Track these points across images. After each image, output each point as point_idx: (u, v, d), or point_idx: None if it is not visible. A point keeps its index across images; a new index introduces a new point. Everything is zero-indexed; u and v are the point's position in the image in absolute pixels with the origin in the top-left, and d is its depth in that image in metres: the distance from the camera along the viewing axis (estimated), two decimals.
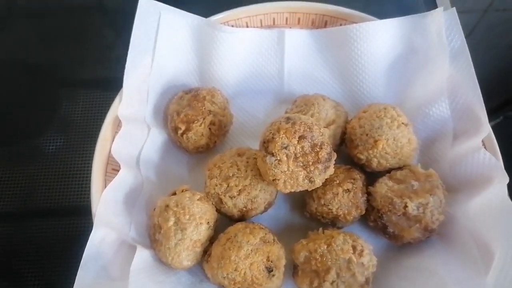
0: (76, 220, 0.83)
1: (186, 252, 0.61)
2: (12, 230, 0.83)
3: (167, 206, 0.63)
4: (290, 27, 0.81)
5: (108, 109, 0.75)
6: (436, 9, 0.73)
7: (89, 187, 0.74)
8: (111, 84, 0.94)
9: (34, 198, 0.86)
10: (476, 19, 1.62)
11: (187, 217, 0.61)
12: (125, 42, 0.75)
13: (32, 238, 0.82)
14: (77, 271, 0.60)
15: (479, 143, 0.67)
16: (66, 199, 0.85)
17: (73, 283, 0.59)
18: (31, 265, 0.80)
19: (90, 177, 0.81)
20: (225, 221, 0.69)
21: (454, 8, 0.73)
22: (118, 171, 0.67)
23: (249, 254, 0.60)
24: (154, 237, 0.64)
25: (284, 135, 0.60)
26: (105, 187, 0.66)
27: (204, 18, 0.78)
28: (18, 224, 0.84)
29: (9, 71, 1.01)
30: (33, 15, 1.08)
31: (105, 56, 1.00)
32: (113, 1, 1.10)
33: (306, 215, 0.71)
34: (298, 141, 0.60)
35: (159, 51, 0.75)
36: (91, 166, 0.82)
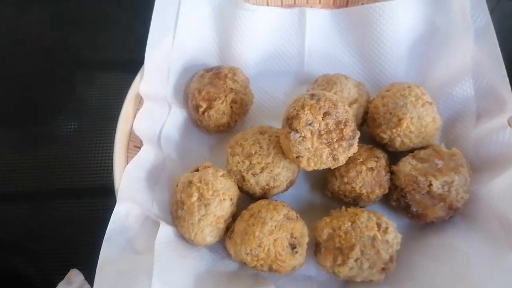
0: (96, 200, 0.84)
1: (209, 228, 0.61)
2: (32, 210, 0.84)
3: (190, 182, 0.63)
4: (311, 7, 0.80)
5: (125, 91, 0.75)
6: None
7: (109, 167, 0.75)
8: (128, 66, 0.95)
9: (54, 179, 0.87)
10: (489, 9, 1.60)
11: (211, 192, 0.61)
12: (141, 25, 0.75)
13: (52, 218, 0.83)
14: (98, 250, 0.60)
15: (504, 122, 0.66)
16: (86, 179, 0.86)
17: (94, 261, 0.59)
18: (51, 244, 0.80)
19: (109, 157, 0.82)
20: (246, 199, 0.68)
21: None
22: (139, 147, 0.68)
23: (273, 230, 0.60)
24: (176, 213, 0.64)
25: (308, 111, 0.60)
26: (127, 163, 0.66)
27: None
28: (38, 204, 0.85)
29: (27, 53, 1.02)
30: (48, 0, 1.08)
31: (123, 38, 1.00)
32: None
33: (327, 194, 0.71)
34: (322, 117, 0.60)
35: (180, 29, 0.74)
36: (110, 147, 0.82)
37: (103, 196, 0.84)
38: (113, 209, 0.63)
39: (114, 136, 0.69)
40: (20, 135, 0.93)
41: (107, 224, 0.61)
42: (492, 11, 1.67)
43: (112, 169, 0.67)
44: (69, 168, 0.87)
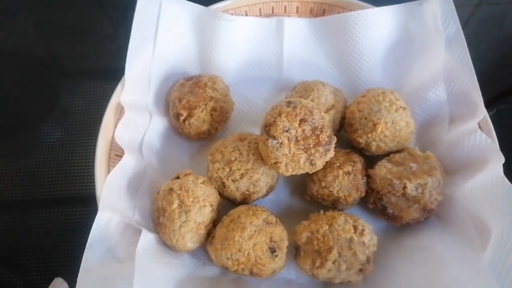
0: (79, 209, 0.85)
1: (190, 234, 0.63)
2: (16, 219, 0.85)
3: (171, 189, 0.64)
4: (289, 15, 0.82)
5: (108, 99, 0.76)
6: None
7: (92, 176, 0.75)
8: (111, 74, 0.96)
9: (37, 188, 0.87)
10: (468, 13, 1.65)
11: (191, 199, 0.62)
12: (124, 34, 0.76)
13: (35, 227, 0.83)
14: (81, 257, 0.61)
15: (475, 126, 0.68)
16: (68, 188, 0.86)
17: (78, 269, 0.60)
18: (35, 253, 0.81)
19: (92, 165, 0.82)
20: (227, 205, 0.70)
21: None
22: (121, 157, 0.68)
23: (252, 234, 0.61)
24: (158, 220, 0.65)
25: (285, 119, 0.62)
26: (109, 172, 0.67)
27: (204, 7, 0.79)
28: (22, 213, 0.85)
29: (10, 63, 1.02)
30: (32, 9, 1.09)
31: (104, 47, 1.01)
32: None
33: (306, 199, 0.72)
34: (299, 124, 0.62)
35: (160, 39, 0.76)
36: (93, 155, 0.83)
37: (87, 205, 0.85)
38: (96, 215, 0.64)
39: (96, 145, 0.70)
40: (3, 144, 0.93)
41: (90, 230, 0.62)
42: (471, 15, 1.71)
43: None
44: (52, 177, 0.88)
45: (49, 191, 0.86)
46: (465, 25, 1.66)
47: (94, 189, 0.67)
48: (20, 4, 1.09)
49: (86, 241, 0.62)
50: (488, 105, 1.69)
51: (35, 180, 0.88)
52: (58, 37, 1.03)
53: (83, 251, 0.61)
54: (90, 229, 0.63)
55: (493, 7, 1.62)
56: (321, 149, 0.62)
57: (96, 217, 0.62)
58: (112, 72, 0.96)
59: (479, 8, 1.61)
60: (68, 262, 0.78)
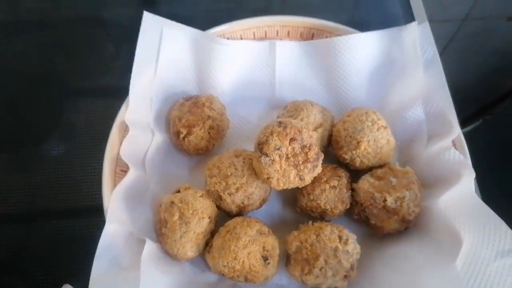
0: (83, 221, 0.89)
1: (190, 243, 0.68)
2: (21, 232, 0.88)
3: (172, 202, 0.70)
4: (281, 39, 0.88)
5: (110, 115, 0.80)
6: (411, 23, 0.82)
7: (95, 189, 0.80)
8: (113, 92, 1.01)
9: (42, 200, 0.91)
10: (455, 28, 1.72)
11: (191, 212, 0.68)
12: (126, 53, 0.81)
13: (41, 238, 0.87)
14: (88, 266, 0.66)
15: (449, 143, 0.74)
16: (73, 200, 0.90)
17: (85, 277, 0.65)
18: (41, 262, 0.85)
19: (95, 177, 0.88)
20: (224, 216, 0.75)
21: (427, 22, 0.81)
22: (125, 171, 0.74)
23: (247, 244, 0.67)
24: (160, 231, 0.71)
25: (277, 138, 0.68)
26: (115, 186, 0.72)
27: (202, 31, 0.84)
28: (27, 225, 0.89)
29: (13, 81, 1.06)
30: (34, 28, 1.13)
31: (107, 66, 1.06)
32: (109, 14, 1.16)
33: (297, 210, 0.78)
34: (289, 142, 0.68)
35: (162, 61, 0.81)
36: (96, 169, 0.89)
37: (91, 217, 0.89)
38: (99, 226, 0.68)
39: (100, 160, 0.75)
40: (8, 159, 0.98)
41: (96, 241, 0.67)
42: (457, 29, 1.78)
43: (99, 190, 0.73)
44: (57, 190, 0.92)
45: (55, 203, 0.90)
46: (452, 38, 1.74)
47: (97, 201, 0.72)
48: (24, 24, 1.14)
49: (93, 249, 0.66)
50: (475, 115, 1.77)
51: (39, 192, 0.92)
52: (61, 56, 1.08)
53: (88, 260, 0.66)
54: (93, 239, 0.67)
55: (479, 21, 1.69)
56: (309, 165, 0.69)
57: (104, 228, 0.68)
58: (114, 89, 1.02)
59: (466, 22, 1.69)
60: (76, 269, 0.83)
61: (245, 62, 0.87)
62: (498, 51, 1.80)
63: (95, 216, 0.73)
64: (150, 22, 0.81)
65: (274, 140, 0.68)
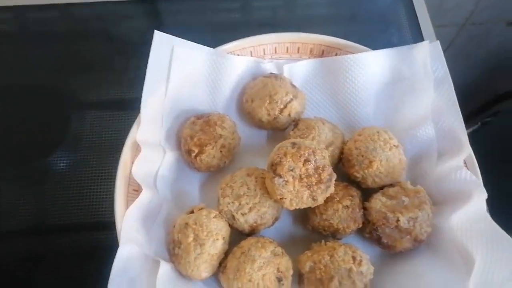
0: (93, 235, 0.89)
1: (204, 265, 0.69)
2: (29, 246, 0.89)
3: (186, 223, 0.70)
4: (291, 55, 0.89)
5: (118, 128, 0.80)
6: (422, 42, 0.82)
7: (104, 203, 0.80)
8: (122, 105, 1.01)
9: (49, 215, 0.91)
10: (455, 32, 1.73)
11: (205, 233, 0.68)
12: (134, 67, 0.81)
13: (49, 253, 0.88)
14: (99, 284, 0.66)
15: (460, 163, 0.75)
16: (80, 215, 0.90)
17: None
18: (50, 279, 0.85)
19: (103, 192, 0.88)
20: (236, 234, 0.75)
21: (438, 42, 0.82)
22: (138, 191, 0.74)
23: (261, 266, 0.67)
24: (173, 251, 0.71)
25: (290, 159, 0.68)
26: (127, 206, 0.73)
27: (212, 49, 0.85)
28: (35, 240, 0.89)
29: (21, 93, 1.07)
30: (42, 41, 1.13)
31: (114, 79, 1.06)
32: (118, 28, 1.16)
33: (308, 228, 0.79)
34: (303, 164, 0.68)
35: (173, 79, 0.81)
36: (103, 182, 0.88)
37: (99, 230, 0.89)
38: (110, 242, 0.69)
39: (109, 173, 0.75)
40: (15, 173, 0.97)
41: (105, 259, 0.67)
42: (457, 34, 1.80)
43: (108, 205, 0.73)
44: (64, 204, 0.91)
45: (61, 218, 0.90)
46: (451, 42, 1.75)
47: (106, 215, 0.72)
48: (32, 39, 1.14)
49: (101, 266, 0.66)
50: (474, 117, 1.78)
51: (47, 207, 0.92)
52: (69, 68, 1.08)
53: (98, 277, 0.66)
54: (102, 254, 0.68)
55: (477, 26, 1.71)
56: (322, 186, 0.69)
57: (118, 250, 0.68)
58: (122, 102, 1.02)
59: (465, 27, 1.70)
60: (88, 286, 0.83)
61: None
62: (498, 56, 1.82)
63: (105, 230, 0.73)
64: (160, 41, 0.80)
65: (288, 162, 0.68)
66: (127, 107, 0.86)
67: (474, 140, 0.80)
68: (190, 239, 0.69)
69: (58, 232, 0.90)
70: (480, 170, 0.77)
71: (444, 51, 0.82)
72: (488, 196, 0.70)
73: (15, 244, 0.89)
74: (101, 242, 0.87)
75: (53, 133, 1.01)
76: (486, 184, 0.73)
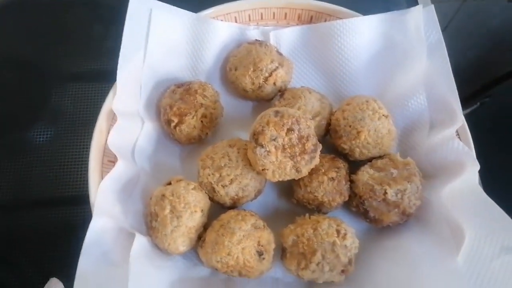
0: (70, 210, 0.86)
1: (181, 238, 0.66)
2: (7, 221, 0.86)
3: (163, 195, 0.67)
4: (277, 22, 0.84)
5: (98, 100, 0.76)
6: (415, 6, 0.78)
7: (83, 177, 0.76)
8: (101, 76, 0.97)
9: (28, 188, 0.88)
10: (455, 9, 1.68)
11: (182, 205, 0.65)
12: (114, 35, 0.76)
13: (27, 227, 0.85)
14: (76, 258, 0.63)
15: (453, 133, 0.72)
16: (60, 189, 0.88)
17: (72, 270, 0.62)
18: (28, 254, 0.83)
19: (82, 166, 0.84)
20: (217, 208, 0.72)
21: (432, 5, 0.77)
22: (114, 162, 0.71)
23: (241, 239, 0.64)
24: (150, 224, 0.68)
25: (273, 128, 0.64)
26: (102, 178, 0.69)
27: (193, 13, 0.80)
28: (13, 214, 0.86)
29: (0, 65, 1.02)
30: (20, 11, 1.08)
31: (94, 49, 1.01)
32: None
33: (293, 202, 0.76)
34: (286, 133, 0.65)
35: (151, 46, 0.77)
36: (83, 156, 0.85)
37: (78, 205, 0.86)
38: (88, 217, 0.66)
39: (88, 147, 0.71)
40: None
41: (84, 233, 0.64)
42: (457, 10, 1.74)
43: (86, 179, 0.70)
44: (44, 177, 0.89)
45: (41, 191, 0.88)
46: (451, 20, 1.70)
47: (84, 190, 0.69)
48: (7, 7, 1.08)
49: (79, 240, 0.64)
50: (473, 97, 1.74)
51: (26, 180, 0.89)
52: (48, 38, 1.03)
53: (76, 251, 0.63)
54: (81, 228, 0.65)
55: (478, 2, 1.65)
56: (306, 157, 0.66)
57: (91, 222, 0.65)
58: (102, 73, 0.98)
59: (465, 3, 1.64)
60: (63, 262, 0.80)
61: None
62: (498, 32, 1.76)
63: (84, 204, 0.70)
64: (138, 4, 0.76)
65: (270, 131, 0.64)
66: (107, 78, 0.81)
67: (473, 119, 0.76)
68: (167, 211, 0.65)
69: (35, 205, 0.87)
70: (480, 150, 0.73)
71: (445, 28, 0.77)
72: (486, 176, 0.67)
73: None
74: (78, 216, 0.84)
75: (31, 105, 0.97)
76: (483, 164, 0.69)
